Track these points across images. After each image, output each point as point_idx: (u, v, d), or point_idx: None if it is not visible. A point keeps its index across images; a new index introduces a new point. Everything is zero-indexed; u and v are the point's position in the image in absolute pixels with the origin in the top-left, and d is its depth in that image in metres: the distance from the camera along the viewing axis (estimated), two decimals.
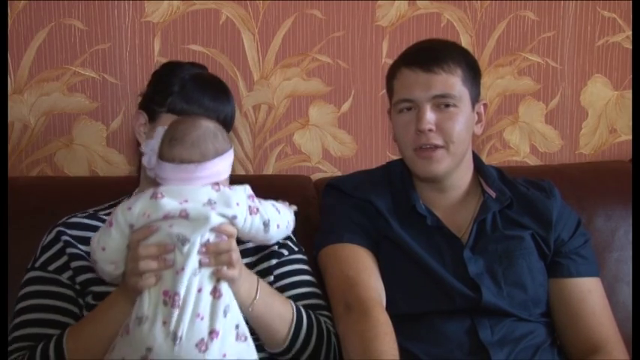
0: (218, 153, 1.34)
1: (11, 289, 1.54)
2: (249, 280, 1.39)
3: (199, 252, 1.27)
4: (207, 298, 1.27)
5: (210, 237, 1.29)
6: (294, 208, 1.45)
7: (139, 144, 1.56)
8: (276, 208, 1.39)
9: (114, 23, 1.99)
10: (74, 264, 1.49)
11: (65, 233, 1.52)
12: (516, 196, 1.68)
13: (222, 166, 1.35)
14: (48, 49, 1.97)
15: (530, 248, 1.63)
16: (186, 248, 1.27)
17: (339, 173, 2.12)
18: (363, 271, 1.57)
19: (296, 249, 1.63)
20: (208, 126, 1.36)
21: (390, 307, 1.54)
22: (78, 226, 1.54)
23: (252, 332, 1.38)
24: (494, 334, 1.55)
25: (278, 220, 1.38)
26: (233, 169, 1.42)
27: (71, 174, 2.00)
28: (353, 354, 1.43)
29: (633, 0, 2.17)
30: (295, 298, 1.52)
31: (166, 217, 1.27)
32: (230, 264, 1.29)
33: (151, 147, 1.39)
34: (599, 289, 1.65)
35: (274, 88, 2.10)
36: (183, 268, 1.26)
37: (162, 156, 1.33)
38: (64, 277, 1.49)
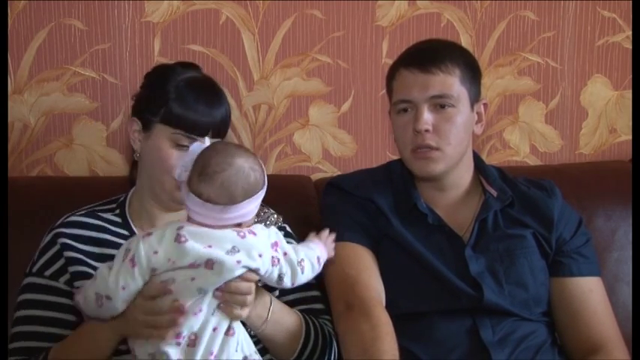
0: (247, 195, 1.30)
1: (11, 289, 1.54)
2: (261, 303, 1.40)
3: (214, 295, 1.28)
4: (220, 336, 1.28)
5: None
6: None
7: (133, 149, 1.57)
8: (302, 268, 1.37)
9: (114, 23, 1.99)
10: (72, 268, 1.48)
11: (63, 234, 1.50)
12: (517, 195, 1.68)
13: (250, 207, 1.32)
14: (48, 49, 1.96)
15: (532, 247, 1.63)
16: (205, 297, 1.28)
17: (339, 173, 2.10)
18: (364, 270, 1.58)
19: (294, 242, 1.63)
20: (242, 166, 1.30)
21: (390, 307, 1.54)
22: (77, 224, 1.53)
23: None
24: (496, 334, 1.55)
25: (295, 276, 1.36)
26: None
27: (71, 174, 2.00)
28: (353, 354, 1.43)
29: (633, 0, 2.17)
30: (298, 302, 1.54)
31: (192, 265, 1.26)
32: (244, 305, 1.31)
33: (183, 162, 1.34)
34: (600, 289, 1.65)
35: (274, 88, 2.10)
36: (201, 310, 1.27)
37: (191, 187, 1.30)
38: (61, 281, 1.48)
